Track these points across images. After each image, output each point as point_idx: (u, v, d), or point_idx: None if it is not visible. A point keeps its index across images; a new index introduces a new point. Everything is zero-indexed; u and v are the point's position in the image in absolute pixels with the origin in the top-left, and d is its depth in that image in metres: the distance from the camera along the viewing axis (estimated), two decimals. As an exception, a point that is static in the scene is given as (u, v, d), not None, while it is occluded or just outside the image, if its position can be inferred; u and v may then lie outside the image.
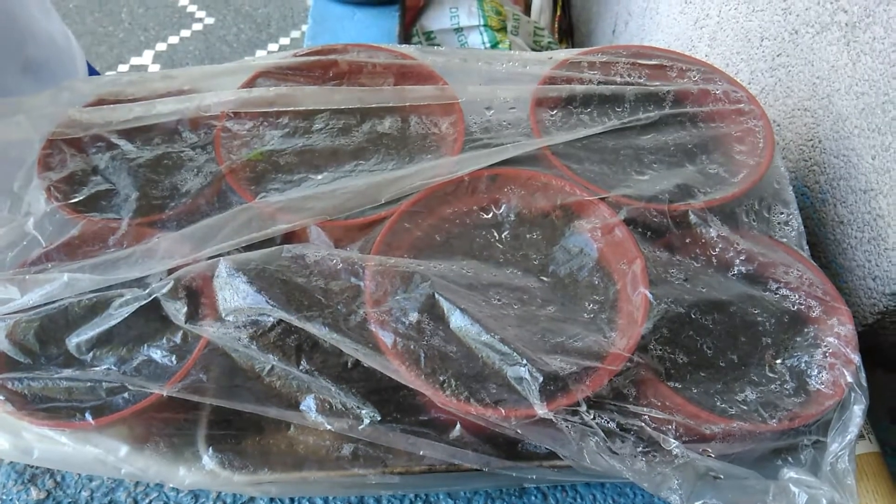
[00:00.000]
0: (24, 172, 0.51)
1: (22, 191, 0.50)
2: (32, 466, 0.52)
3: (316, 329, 0.39)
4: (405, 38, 1.27)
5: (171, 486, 0.48)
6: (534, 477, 0.43)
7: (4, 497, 0.51)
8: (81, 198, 0.49)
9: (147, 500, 0.51)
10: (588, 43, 1.47)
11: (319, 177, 0.48)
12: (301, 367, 0.40)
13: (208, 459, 0.44)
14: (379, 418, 0.40)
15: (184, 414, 0.44)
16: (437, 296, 0.41)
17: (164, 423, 0.43)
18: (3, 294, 0.42)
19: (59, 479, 0.51)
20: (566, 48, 1.16)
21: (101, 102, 0.53)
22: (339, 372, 0.41)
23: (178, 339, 0.42)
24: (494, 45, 1.28)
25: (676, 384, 0.42)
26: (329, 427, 0.41)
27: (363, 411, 0.40)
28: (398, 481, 0.45)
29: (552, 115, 0.54)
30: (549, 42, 1.41)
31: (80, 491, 0.51)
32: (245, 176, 0.49)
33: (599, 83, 0.55)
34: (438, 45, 1.31)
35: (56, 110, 0.52)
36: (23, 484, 0.51)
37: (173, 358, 0.41)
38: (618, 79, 0.56)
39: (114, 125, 0.50)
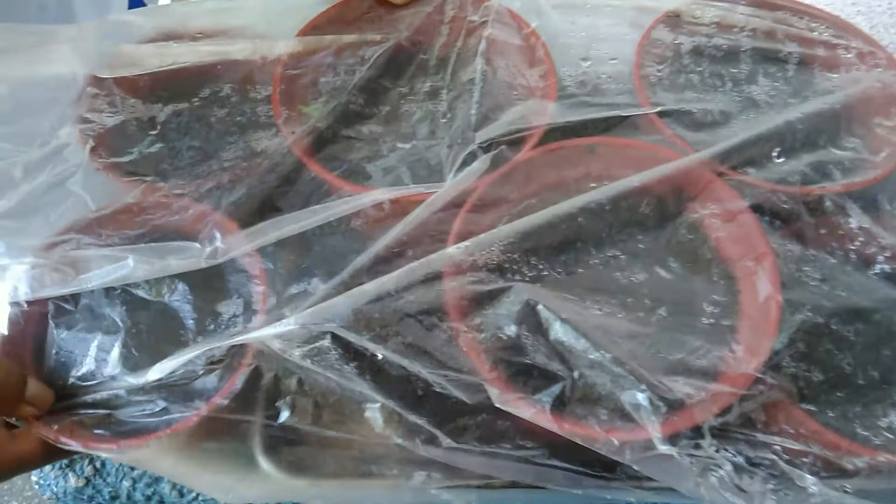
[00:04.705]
0: (63, 116, 0.43)
1: (61, 139, 0.42)
2: (71, 449, 0.48)
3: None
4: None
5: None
6: (633, 501, 0.37)
7: (42, 482, 0.47)
8: (134, 157, 0.42)
9: (192, 493, 0.47)
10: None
11: (408, 146, 0.42)
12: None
13: (263, 461, 0.39)
14: (455, 445, 0.34)
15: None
16: (537, 306, 0.34)
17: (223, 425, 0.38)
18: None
19: (98, 465, 0.47)
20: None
21: (159, 38, 0.46)
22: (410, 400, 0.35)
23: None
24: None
25: (811, 407, 0.36)
26: (398, 441, 0.36)
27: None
28: (475, 497, 0.40)
29: (659, 72, 0.46)
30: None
31: (121, 480, 0.47)
32: (324, 154, 0.42)
33: (714, 36, 0.47)
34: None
35: (105, 44, 0.45)
36: (60, 469, 0.47)
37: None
38: (735, 31, 0.48)
39: (177, 66, 0.43)
